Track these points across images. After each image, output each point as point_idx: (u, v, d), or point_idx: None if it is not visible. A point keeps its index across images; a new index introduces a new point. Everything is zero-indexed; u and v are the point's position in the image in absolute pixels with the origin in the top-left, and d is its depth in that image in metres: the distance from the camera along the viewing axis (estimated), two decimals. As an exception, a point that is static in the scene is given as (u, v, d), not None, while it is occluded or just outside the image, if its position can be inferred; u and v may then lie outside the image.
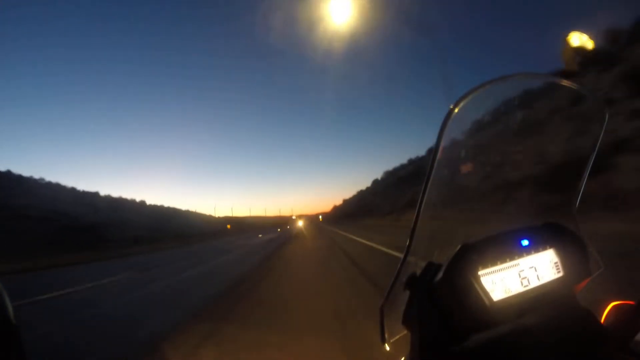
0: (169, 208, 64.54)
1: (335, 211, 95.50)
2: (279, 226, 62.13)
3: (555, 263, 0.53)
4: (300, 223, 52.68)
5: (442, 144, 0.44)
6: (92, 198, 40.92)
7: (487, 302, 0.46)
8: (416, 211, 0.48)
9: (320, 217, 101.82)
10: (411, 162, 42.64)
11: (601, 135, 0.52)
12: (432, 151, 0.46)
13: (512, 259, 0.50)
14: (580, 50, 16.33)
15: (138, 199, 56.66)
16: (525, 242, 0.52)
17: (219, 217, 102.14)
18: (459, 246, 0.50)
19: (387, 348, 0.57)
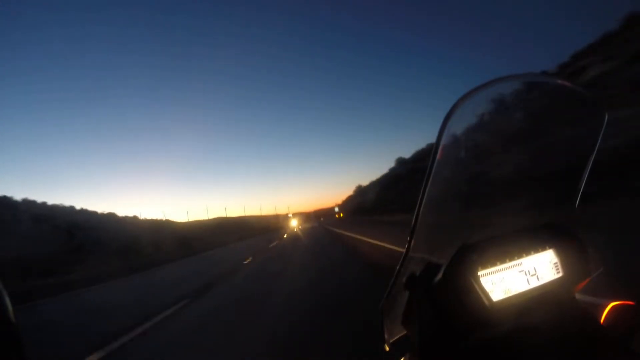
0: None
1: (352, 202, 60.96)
2: (280, 229, 47.92)
3: (555, 263, 0.52)
4: (294, 222, 49.94)
5: (442, 143, 0.44)
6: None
7: (486, 302, 0.46)
8: (416, 211, 0.48)
9: (336, 209, 72.66)
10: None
11: (600, 136, 0.52)
12: (432, 151, 0.46)
13: (512, 259, 0.50)
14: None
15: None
16: (525, 243, 0.52)
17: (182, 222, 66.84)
18: (459, 246, 0.50)
19: (387, 348, 0.57)
